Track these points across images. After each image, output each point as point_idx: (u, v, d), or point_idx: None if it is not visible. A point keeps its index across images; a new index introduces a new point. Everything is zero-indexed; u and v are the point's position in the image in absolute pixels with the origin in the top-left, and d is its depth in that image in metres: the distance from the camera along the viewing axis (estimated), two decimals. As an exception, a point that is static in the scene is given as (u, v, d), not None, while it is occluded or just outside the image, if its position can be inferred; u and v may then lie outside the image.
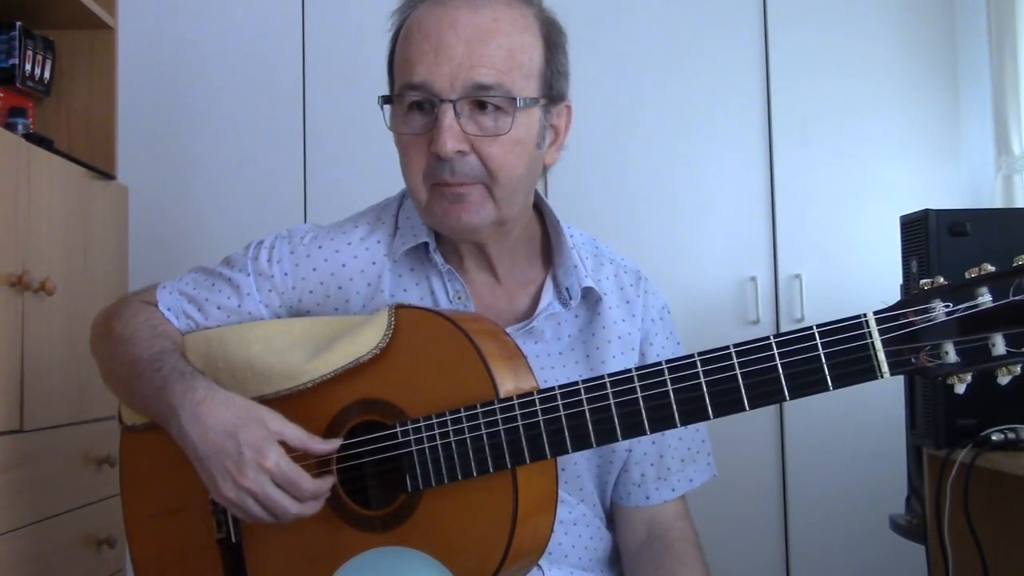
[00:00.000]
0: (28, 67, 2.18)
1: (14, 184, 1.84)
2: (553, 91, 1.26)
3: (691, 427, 1.34)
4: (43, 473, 1.91)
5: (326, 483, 1.17)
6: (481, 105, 1.19)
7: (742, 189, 2.91)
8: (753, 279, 2.88)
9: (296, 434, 1.16)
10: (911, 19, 2.93)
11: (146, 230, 2.76)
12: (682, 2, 2.94)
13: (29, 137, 1.99)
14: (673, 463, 1.33)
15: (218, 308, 1.33)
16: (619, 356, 1.31)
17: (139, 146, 2.84)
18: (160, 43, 2.94)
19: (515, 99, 1.19)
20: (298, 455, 1.16)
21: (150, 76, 2.91)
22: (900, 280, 2.01)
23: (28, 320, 1.87)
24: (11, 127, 2.09)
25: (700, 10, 2.93)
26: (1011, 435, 1.74)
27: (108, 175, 2.28)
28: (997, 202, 2.58)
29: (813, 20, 2.92)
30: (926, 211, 1.88)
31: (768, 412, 2.83)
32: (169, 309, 1.34)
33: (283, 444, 1.15)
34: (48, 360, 1.94)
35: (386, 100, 1.26)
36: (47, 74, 2.26)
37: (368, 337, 1.18)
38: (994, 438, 1.74)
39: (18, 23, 2.15)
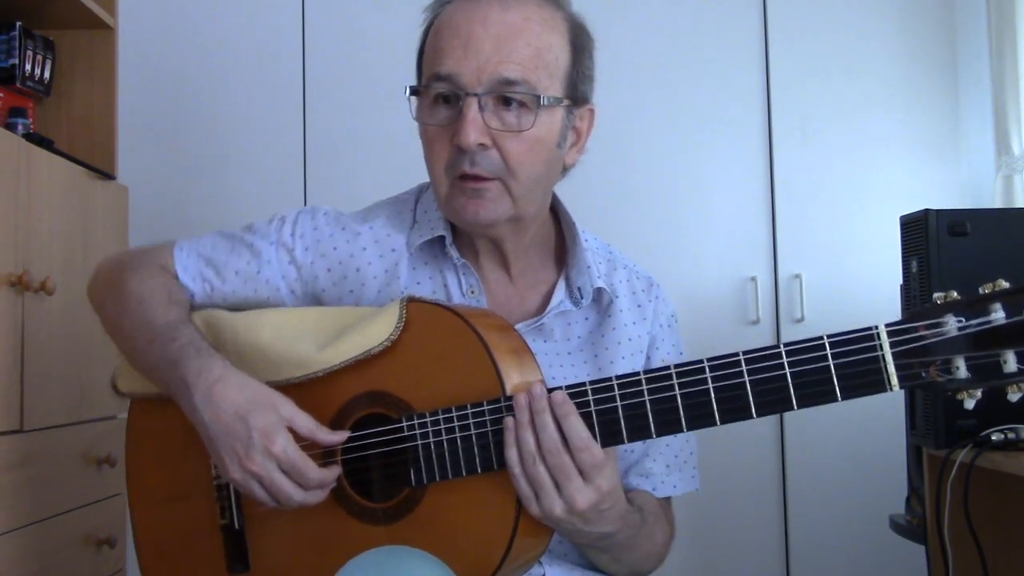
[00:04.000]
0: (28, 67, 2.18)
1: (14, 184, 1.84)
2: (577, 93, 1.28)
3: (681, 437, 1.35)
4: (43, 473, 1.91)
5: (331, 473, 1.17)
6: (506, 101, 1.21)
7: (742, 189, 2.91)
8: (753, 279, 2.87)
9: (305, 422, 1.17)
10: (911, 19, 2.93)
11: (146, 230, 2.75)
12: (682, 2, 2.94)
13: (29, 137, 1.99)
14: (656, 467, 1.33)
15: (236, 273, 1.33)
16: (628, 358, 1.31)
17: (139, 146, 2.85)
18: (160, 43, 2.94)
19: (539, 97, 1.21)
20: (305, 444, 1.16)
21: (150, 76, 2.91)
22: (900, 280, 2.01)
23: (28, 320, 1.87)
24: (11, 127, 2.08)
25: (700, 10, 2.93)
26: (1011, 435, 1.74)
27: (108, 175, 2.27)
28: (997, 202, 2.58)
29: (813, 21, 2.92)
30: (926, 211, 1.88)
31: (768, 412, 2.83)
32: (186, 269, 1.34)
33: (291, 431, 1.16)
34: (48, 360, 1.94)
35: (413, 91, 1.26)
36: (47, 74, 2.26)
37: (379, 329, 1.18)
38: (994, 438, 1.74)
39: (18, 23, 2.15)
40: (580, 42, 1.28)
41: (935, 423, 1.85)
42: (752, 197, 2.90)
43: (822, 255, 2.87)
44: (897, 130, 2.90)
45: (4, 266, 1.80)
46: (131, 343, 1.29)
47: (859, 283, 2.82)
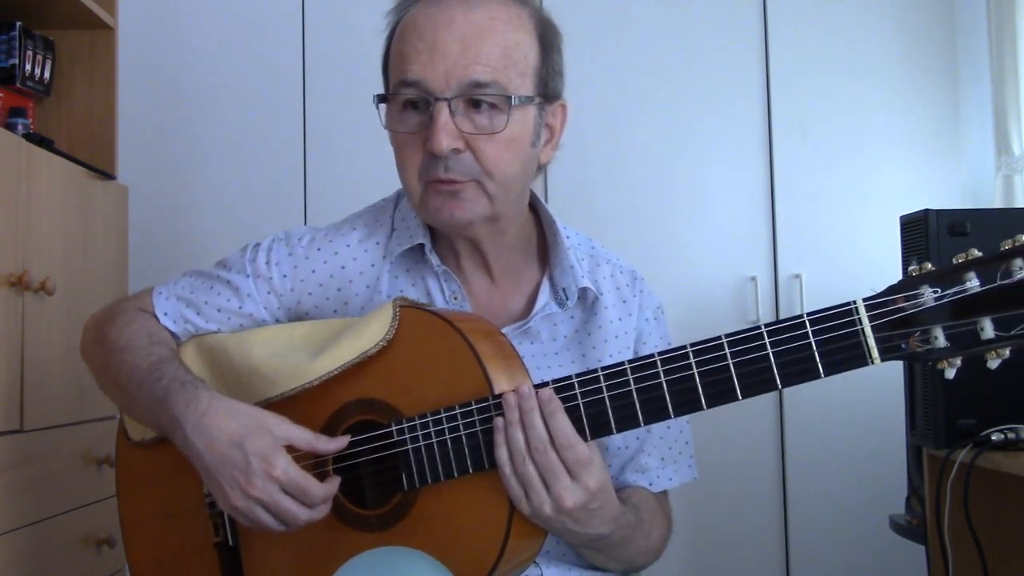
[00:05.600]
0: (28, 67, 2.18)
1: (14, 184, 1.84)
2: (548, 90, 1.26)
3: (675, 428, 1.35)
4: (43, 473, 1.91)
5: (333, 486, 1.16)
6: (476, 103, 1.19)
7: (742, 189, 2.91)
8: (753, 279, 2.88)
9: (303, 436, 1.16)
10: (911, 19, 2.93)
11: (146, 230, 2.76)
12: (682, 3, 2.94)
13: (29, 137, 1.99)
14: (651, 461, 1.33)
15: (218, 311, 1.33)
16: (616, 355, 1.31)
17: (139, 146, 2.85)
18: (160, 43, 2.94)
19: (510, 97, 1.19)
20: (298, 455, 1.16)
21: (150, 76, 2.91)
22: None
23: (28, 320, 1.87)
24: (11, 127, 2.08)
25: (700, 10, 2.93)
26: (1011, 435, 1.74)
27: (108, 175, 2.27)
28: (997, 202, 2.59)
29: (813, 20, 2.92)
30: (926, 211, 1.88)
31: (768, 412, 2.83)
32: (166, 314, 1.34)
33: (290, 447, 1.15)
34: (48, 360, 1.94)
35: (381, 99, 1.26)
36: (47, 74, 2.26)
37: (374, 331, 1.18)
38: (994, 438, 1.74)
39: (18, 23, 2.15)
40: (548, 38, 1.26)
41: (935, 423, 1.86)
42: (752, 197, 2.90)
43: (822, 255, 2.88)
44: (897, 130, 2.91)
45: (4, 266, 1.80)
46: (123, 393, 1.28)
47: (859, 283, 2.77)
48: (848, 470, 2.82)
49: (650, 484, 1.33)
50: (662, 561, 1.33)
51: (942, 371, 1.03)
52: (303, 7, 2.95)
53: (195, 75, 2.95)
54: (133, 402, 1.27)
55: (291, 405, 1.21)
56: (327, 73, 2.93)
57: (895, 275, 2.02)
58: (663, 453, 1.34)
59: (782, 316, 2.86)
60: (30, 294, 1.87)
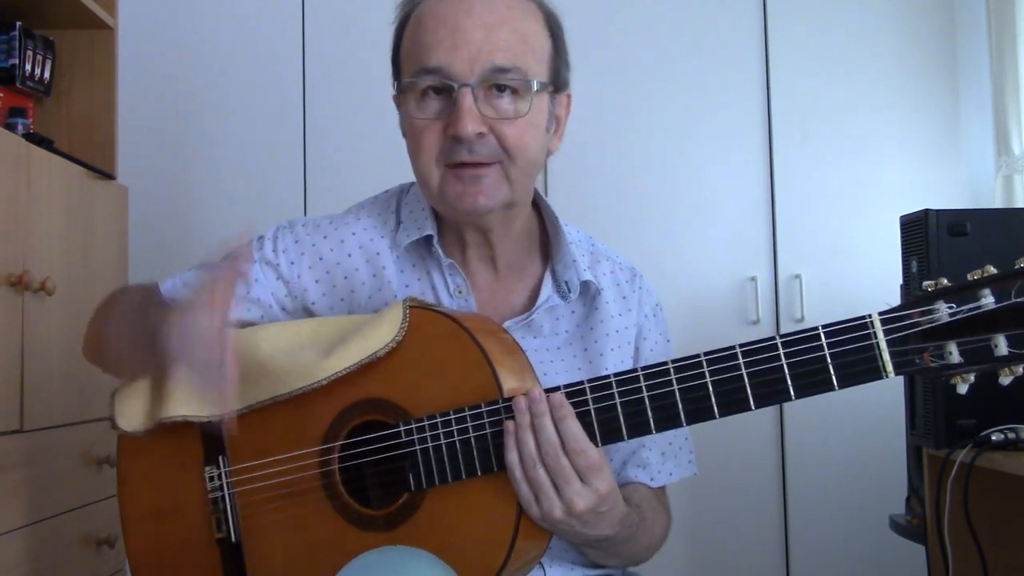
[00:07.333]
0: (28, 67, 2.18)
1: (14, 184, 1.84)
2: (559, 79, 1.29)
3: None
4: (43, 473, 1.91)
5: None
6: (498, 88, 1.21)
7: (742, 189, 2.91)
8: (753, 279, 2.88)
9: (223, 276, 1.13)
10: (911, 19, 2.93)
11: (146, 230, 2.76)
12: (682, 2, 2.94)
13: (29, 137, 1.99)
14: (652, 456, 1.34)
15: None
16: (616, 349, 1.32)
17: (139, 146, 2.85)
18: (160, 43, 2.94)
19: (531, 82, 1.22)
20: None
21: (150, 76, 2.91)
22: (900, 280, 2.01)
23: (28, 320, 1.87)
24: (11, 127, 2.08)
25: (700, 10, 2.93)
26: (1011, 435, 1.74)
27: (108, 175, 2.27)
28: (997, 202, 2.59)
29: (813, 20, 2.92)
30: (926, 211, 1.88)
31: (768, 412, 2.83)
32: (174, 301, 1.34)
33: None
34: (48, 360, 1.94)
35: (398, 89, 1.27)
36: (47, 74, 2.26)
37: (384, 332, 1.18)
38: (994, 438, 1.74)
39: (18, 23, 2.15)
40: (556, 30, 1.30)
41: (935, 423, 1.86)
42: (752, 197, 2.91)
43: (822, 255, 2.88)
44: (897, 130, 2.91)
45: (4, 266, 1.80)
46: (109, 346, 1.29)
47: (859, 283, 2.82)
48: (848, 470, 2.82)
49: (651, 479, 1.34)
50: (663, 561, 1.34)
51: (954, 386, 1.03)
52: (303, 7, 2.95)
53: (195, 75, 2.95)
54: (121, 346, 1.26)
55: (298, 403, 1.21)
56: (327, 73, 2.93)
57: (895, 275, 2.04)
58: (663, 448, 1.35)
59: (782, 316, 2.87)
60: (30, 294, 1.87)
